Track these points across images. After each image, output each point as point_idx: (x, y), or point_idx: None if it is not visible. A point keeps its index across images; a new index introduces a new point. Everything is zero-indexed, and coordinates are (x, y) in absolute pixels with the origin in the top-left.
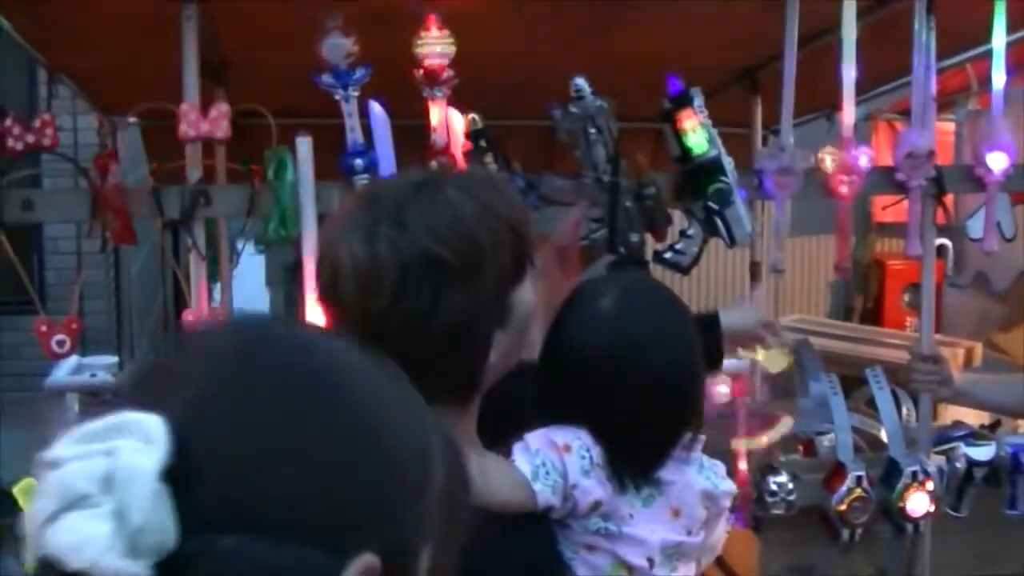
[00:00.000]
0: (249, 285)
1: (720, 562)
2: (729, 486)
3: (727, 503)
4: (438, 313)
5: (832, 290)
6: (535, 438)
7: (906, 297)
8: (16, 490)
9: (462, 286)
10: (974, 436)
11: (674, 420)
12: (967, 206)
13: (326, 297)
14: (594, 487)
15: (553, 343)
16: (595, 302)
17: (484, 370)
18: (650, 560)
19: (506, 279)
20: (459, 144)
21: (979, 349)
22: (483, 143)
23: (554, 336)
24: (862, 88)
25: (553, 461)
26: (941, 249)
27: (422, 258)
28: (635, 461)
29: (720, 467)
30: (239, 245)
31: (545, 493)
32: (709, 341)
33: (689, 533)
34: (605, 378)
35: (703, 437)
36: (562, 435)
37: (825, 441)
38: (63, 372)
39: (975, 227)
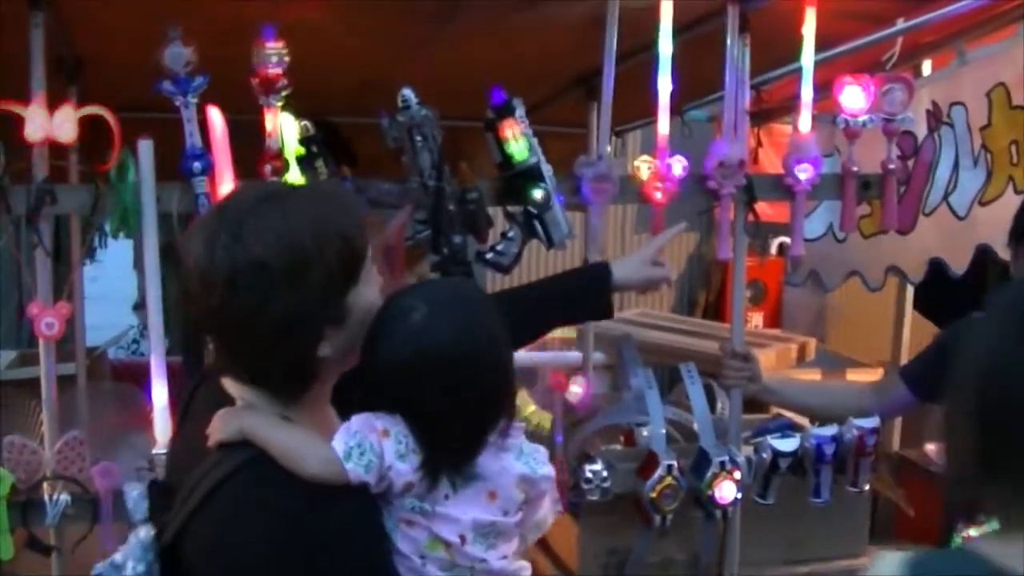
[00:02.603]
0: (119, 268)
1: (542, 543)
2: (547, 470)
3: (546, 486)
4: (265, 312)
5: (676, 285)
6: (358, 420)
7: (748, 293)
8: None
9: (288, 288)
10: (791, 429)
11: (477, 419)
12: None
13: (182, 291)
14: (407, 471)
15: (365, 351)
16: (399, 315)
17: (317, 361)
18: (462, 537)
19: (335, 282)
20: (292, 149)
21: (813, 344)
22: (315, 148)
23: (366, 344)
24: (692, 94)
25: (372, 443)
26: (782, 248)
27: (251, 264)
28: (445, 457)
29: (541, 452)
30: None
31: (358, 471)
32: (597, 293)
33: (506, 514)
34: (405, 386)
35: (521, 425)
36: (383, 421)
37: (644, 432)
38: None
39: (810, 228)
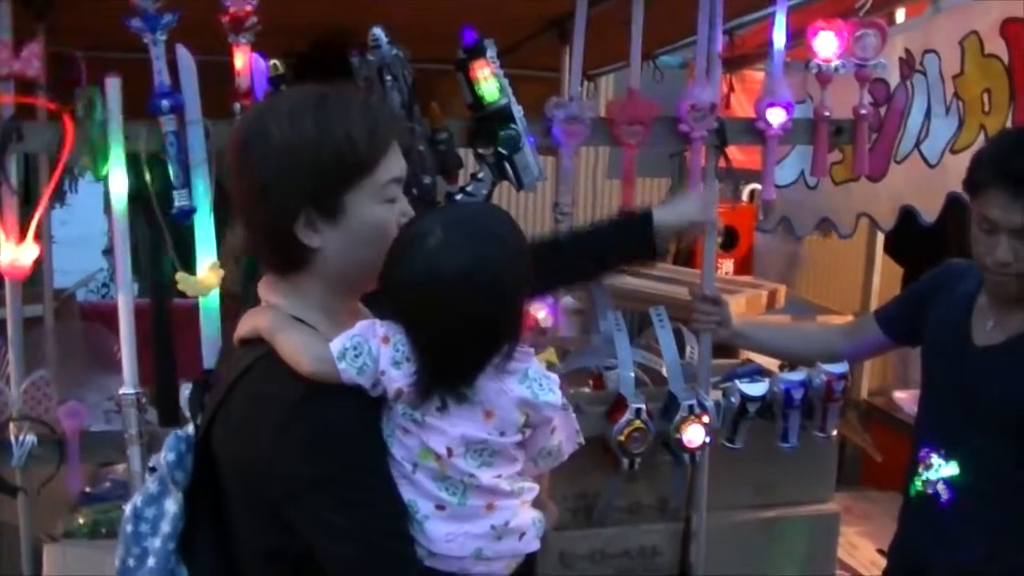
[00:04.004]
0: (89, 211)
1: None
2: (552, 398)
3: (550, 412)
4: (254, 175)
5: None
6: (361, 325)
7: (719, 239)
8: None
9: (275, 156)
10: (760, 374)
11: (479, 344)
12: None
13: None
14: (399, 378)
15: (383, 266)
16: (417, 233)
17: (303, 246)
18: (449, 450)
19: (325, 172)
20: (263, 88)
21: (783, 291)
22: (284, 88)
23: (385, 260)
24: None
25: (370, 347)
26: (754, 194)
27: (258, 133)
28: (441, 375)
29: (550, 379)
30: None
31: (350, 372)
32: (640, 239)
33: (502, 434)
34: (413, 303)
35: (531, 350)
36: (386, 328)
37: (613, 376)
38: None
39: (781, 175)
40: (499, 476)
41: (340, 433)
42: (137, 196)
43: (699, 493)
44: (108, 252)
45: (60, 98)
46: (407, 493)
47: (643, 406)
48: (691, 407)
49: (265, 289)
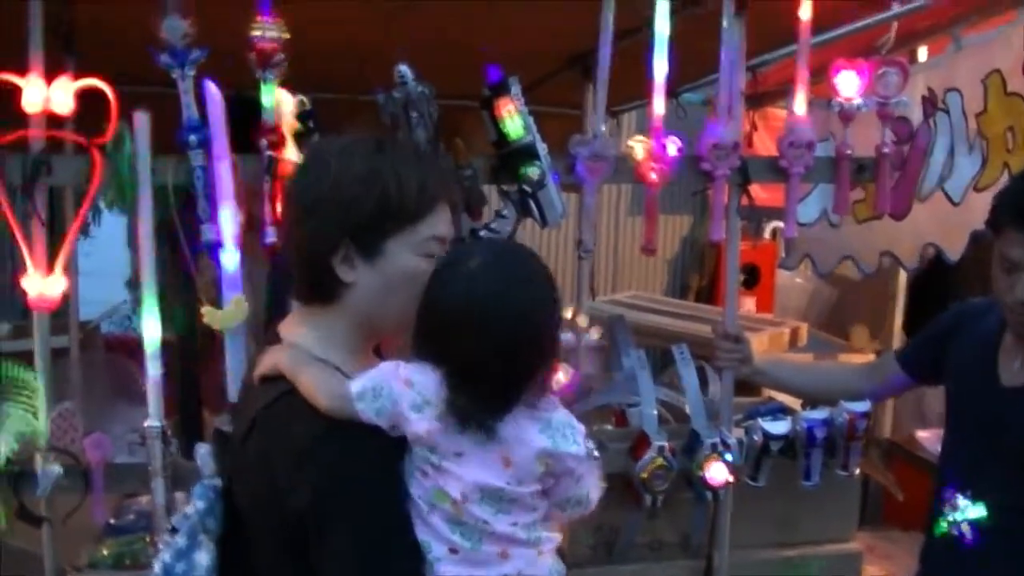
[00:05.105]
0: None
1: None
2: (575, 448)
3: (573, 463)
4: (301, 194)
5: (669, 268)
6: (385, 365)
7: (741, 277)
8: None
9: (324, 186)
10: (783, 412)
11: (507, 379)
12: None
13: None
14: (419, 422)
15: (424, 291)
16: (456, 260)
17: (337, 279)
18: (464, 495)
19: (371, 215)
20: (289, 124)
21: (804, 328)
22: (311, 124)
23: (425, 290)
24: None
25: (390, 389)
26: (776, 232)
27: (319, 159)
28: (465, 413)
29: (574, 430)
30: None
31: (368, 413)
32: None
33: (519, 483)
34: (445, 330)
35: (556, 399)
36: (411, 370)
37: (635, 413)
38: None
39: (804, 213)
40: (515, 524)
41: (357, 471)
42: (162, 228)
43: (721, 531)
44: (131, 284)
45: (88, 132)
46: (422, 534)
47: (666, 443)
48: (714, 445)
49: (289, 325)
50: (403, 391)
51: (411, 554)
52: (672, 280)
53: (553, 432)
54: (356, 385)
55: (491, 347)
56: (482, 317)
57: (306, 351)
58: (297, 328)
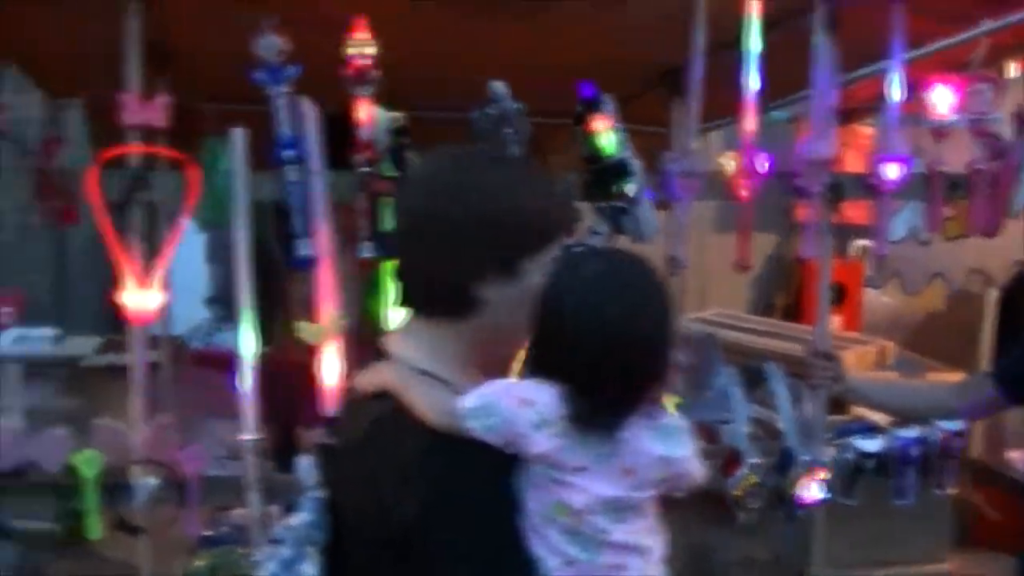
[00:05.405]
0: (191, 262)
1: None
2: (687, 452)
3: (685, 467)
4: (454, 215)
5: (754, 286)
6: (500, 384)
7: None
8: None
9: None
10: (873, 431)
11: (631, 387)
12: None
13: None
14: (541, 441)
15: (540, 302)
16: (574, 274)
17: (474, 296)
18: (588, 507)
19: (511, 238)
20: (383, 140)
21: (891, 348)
22: (406, 140)
23: (541, 296)
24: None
25: (504, 408)
26: (863, 250)
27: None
28: (588, 425)
29: (681, 431)
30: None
31: (478, 431)
32: None
33: (639, 490)
34: (577, 337)
35: (665, 407)
36: (527, 389)
37: (727, 430)
38: (6, 342)
39: (892, 230)
40: (632, 532)
41: (465, 485)
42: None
43: (815, 549)
44: (212, 300)
45: (180, 148)
46: (536, 548)
47: (758, 461)
48: (807, 463)
49: (397, 339)
50: (518, 410)
51: (523, 570)
52: (757, 298)
53: (668, 438)
54: (467, 402)
55: (616, 358)
56: (606, 326)
57: (414, 365)
58: (405, 341)
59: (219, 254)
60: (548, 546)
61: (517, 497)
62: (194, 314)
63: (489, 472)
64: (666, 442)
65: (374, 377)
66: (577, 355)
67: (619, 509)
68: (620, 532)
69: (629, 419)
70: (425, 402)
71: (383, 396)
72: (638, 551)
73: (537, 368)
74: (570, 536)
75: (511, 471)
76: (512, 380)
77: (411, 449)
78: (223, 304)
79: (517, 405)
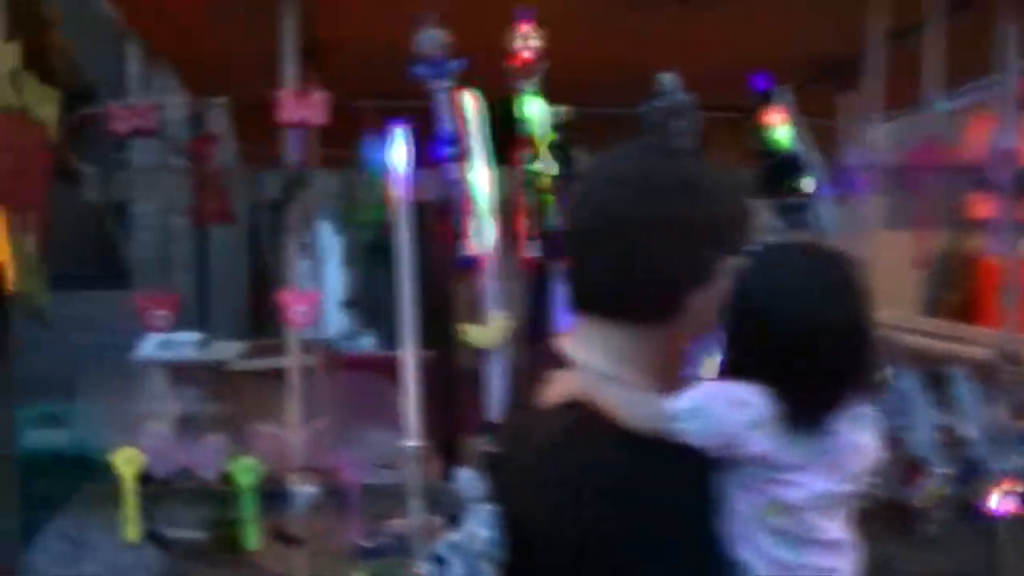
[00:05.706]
0: (327, 264)
1: None
2: (868, 438)
3: (874, 454)
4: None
5: (922, 283)
6: (712, 385)
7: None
8: (117, 458)
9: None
10: None
11: (851, 374)
12: None
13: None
14: (759, 441)
15: (740, 301)
16: (780, 265)
17: (678, 299)
18: (807, 504)
19: (711, 242)
20: (544, 135)
21: None
22: (568, 136)
23: (741, 295)
24: (956, 80)
25: (716, 410)
26: None
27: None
28: (810, 422)
29: (867, 419)
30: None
31: (687, 433)
32: None
33: (847, 484)
34: (788, 336)
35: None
36: (739, 390)
37: (910, 438)
38: (152, 347)
39: None
40: (840, 527)
41: (671, 491)
42: (375, 247)
43: (1004, 562)
44: (349, 304)
45: (333, 146)
46: (743, 552)
47: (944, 470)
48: (997, 472)
49: (577, 343)
50: (732, 411)
51: (727, 573)
52: (924, 297)
53: (865, 428)
54: (676, 404)
55: (826, 355)
56: (817, 324)
57: (598, 370)
58: (587, 345)
59: (356, 256)
60: (756, 550)
61: (718, 500)
62: (332, 319)
63: (692, 476)
64: (866, 432)
65: (561, 387)
66: (788, 354)
67: (831, 505)
68: (832, 530)
69: (838, 414)
70: (625, 407)
71: (573, 405)
72: (846, 549)
73: (738, 369)
74: (780, 537)
75: (709, 474)
76: (718, 382)
77: (612, 456)
78: (360, 308)
79: (730, 406)
